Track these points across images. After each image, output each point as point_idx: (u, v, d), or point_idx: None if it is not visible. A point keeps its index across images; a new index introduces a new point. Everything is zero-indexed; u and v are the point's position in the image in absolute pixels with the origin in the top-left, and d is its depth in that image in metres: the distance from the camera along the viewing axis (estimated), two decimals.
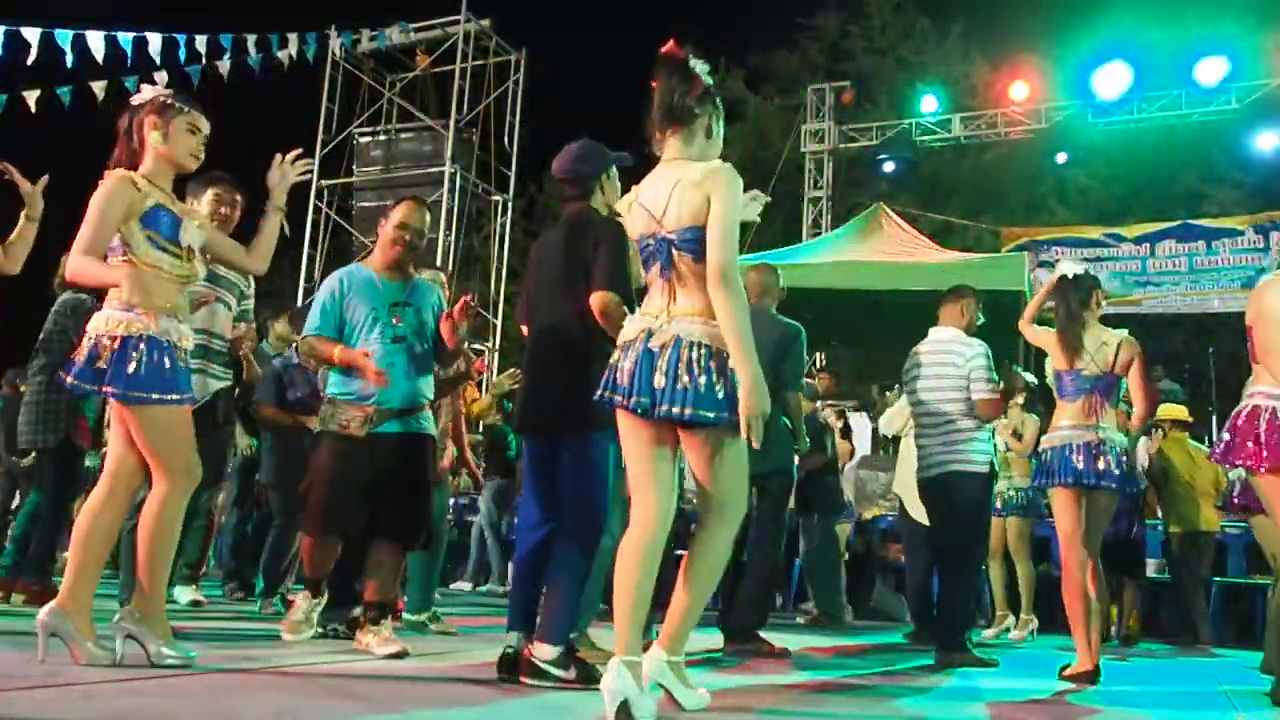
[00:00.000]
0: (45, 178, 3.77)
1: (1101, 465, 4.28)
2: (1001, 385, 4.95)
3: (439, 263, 12.88)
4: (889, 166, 14.02)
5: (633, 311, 3.03)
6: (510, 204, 14.91)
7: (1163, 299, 13.07)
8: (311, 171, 3.35)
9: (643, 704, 2.52)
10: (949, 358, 4.86)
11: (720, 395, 2.60)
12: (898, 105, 16.79)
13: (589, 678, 3.16)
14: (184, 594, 5.51)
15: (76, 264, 2.99)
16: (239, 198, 4.58)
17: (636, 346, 2.70)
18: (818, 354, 13.40)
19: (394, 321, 3.99)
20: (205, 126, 3.25)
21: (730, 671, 4.04)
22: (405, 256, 4.09)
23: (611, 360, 2.80)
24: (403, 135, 14.51)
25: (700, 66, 2.93)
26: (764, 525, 4.81)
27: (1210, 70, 12.30)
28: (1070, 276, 4.62)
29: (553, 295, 3.52)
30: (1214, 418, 10.35)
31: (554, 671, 3.19)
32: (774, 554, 5.02)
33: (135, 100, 3.21)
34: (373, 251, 4.28)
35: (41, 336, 5.32)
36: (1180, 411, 7.63)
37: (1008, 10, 17.55)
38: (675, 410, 2.59)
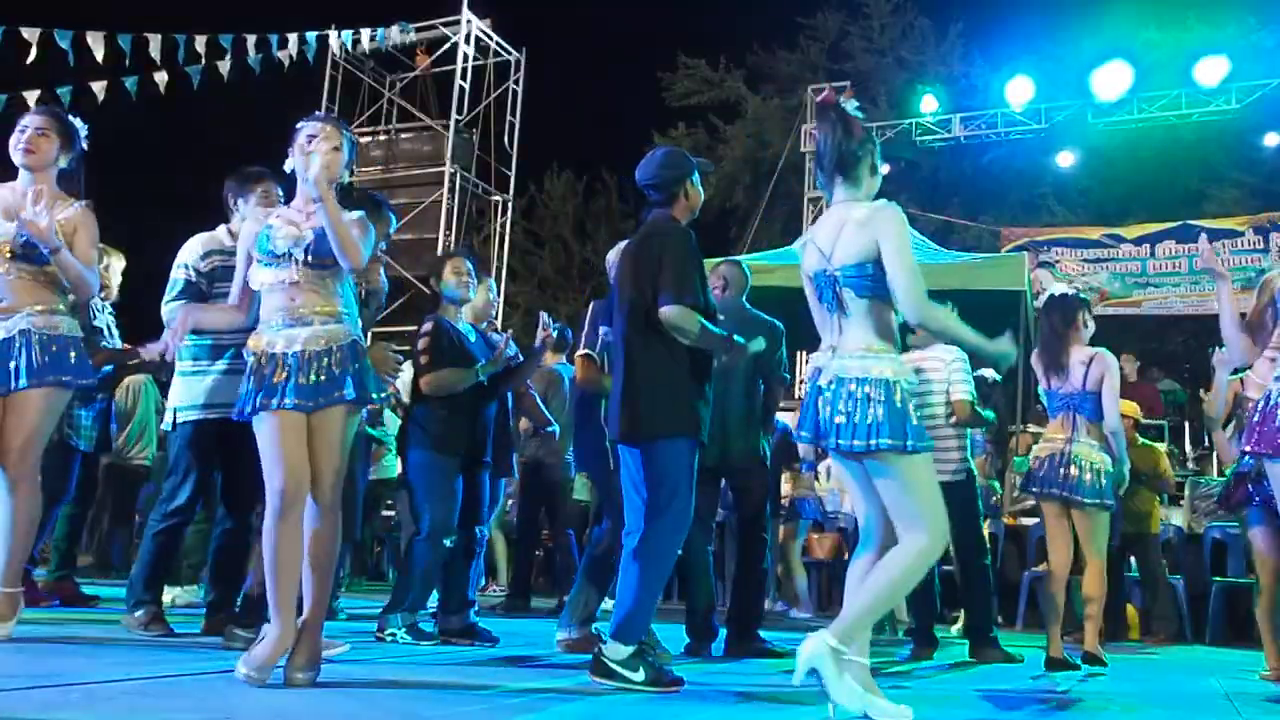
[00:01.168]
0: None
1: (1074, 478, 4.52)
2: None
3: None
4: (888, 168, 14.01)
5: (707, 319, 3.40)
6: (510, 204, 14.92)
7: (1163, 299, 13.07)
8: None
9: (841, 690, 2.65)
10: (932, 365, 5.03)
11: (878, 423, 2.74)
12: (898, 105, 16.79)
13: (658, 680, 3.23)
14: (182, 596, 5.52)
15: None
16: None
17: (809, 384, 2.92)
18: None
19: None
20: (32, 122, 3.46)
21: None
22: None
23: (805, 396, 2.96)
24: (403, 135, 14.51)
25: (851, 107, 3.15)
26: (748, 527, 4.81)
27: (1210, 70, 12.30)
28: (1056, 295, 4.80)
29: (625, 305, 3.56)
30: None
31: (624, 673, 3.23)
32: (762, 554, 5.04)
33: None
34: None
35: None
36: (1132, 408, 7.60)
37: (1008, 10, 17.55)
38: (843, 443, 2.78)
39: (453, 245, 13.50)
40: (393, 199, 13.68)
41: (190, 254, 4.12)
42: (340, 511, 3.03)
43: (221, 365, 4.08)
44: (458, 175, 13.70)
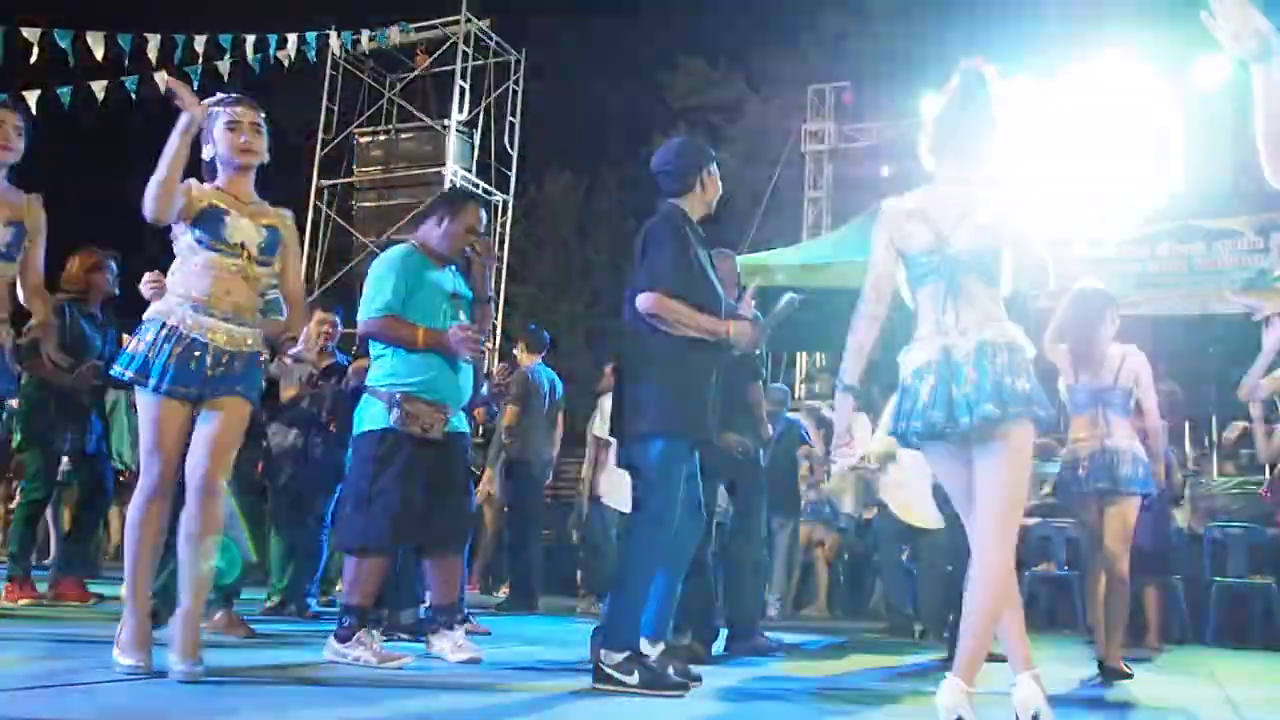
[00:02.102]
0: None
1: (1122, 472, 4.40)
2: None
3: None
4: (888, 169, 14.02)
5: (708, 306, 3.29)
6: (510, 204, 14.91)
7: (1163, 299, 13.06)
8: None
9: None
10: None
11: (1024, 392, 2.64)
12: (898, 105, 16.78)
13: (653, 683, 3.20)
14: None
15: None
16: None
17: (935, 369, 2.71)
18: (817, 354, 13.41)
19: (458, 314, 3.84)
20: (9, 119, 3.36)
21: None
22: (458, 255, 4.02)
23: (904, 388, 2.78)
24: (403, 135, 14.50)
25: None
26: (742, 523, 4.81)
27: (1210, 70, 12.28)
28: (1088, 290, 4.74)
29: (628, 298, 3.47)
30: (1214, 418, 10.35)
31: (618, 676, 3.20)
32: (759, 551, 5.04)
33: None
34: (424, 239, 3.98)
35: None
36: None
37: (1008, 10, 17.54)
38: (991, 409, 2.60)
39: None
40: (393, 199, 13.80)
41: None
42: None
43: None
44: (458, 175, 13.70)
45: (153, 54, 10.95)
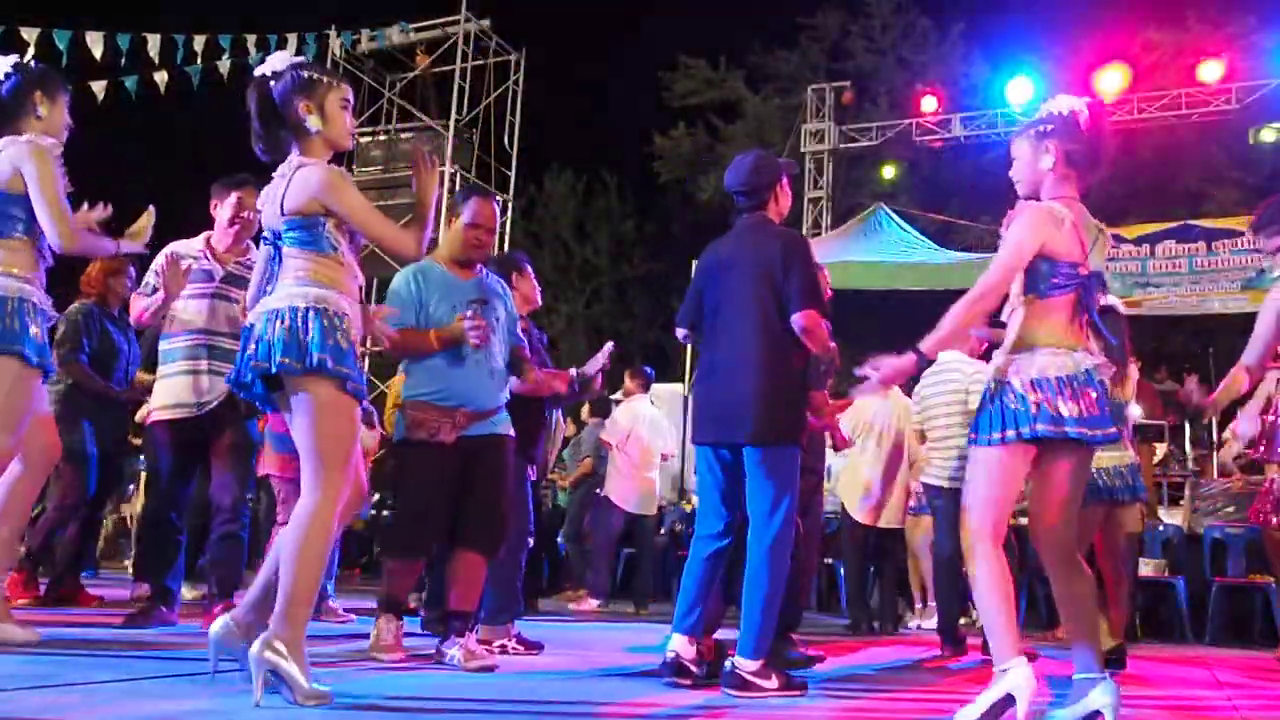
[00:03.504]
0: (151, 210, 3.85)
1: (1130, 480, 4.78)
2: None
3: None
4: (889, 170, 14.04)
5: (826, 319, 3.47)
6: (510, 204, 14.91)
7: (1163, 300, 13.05)
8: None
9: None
10: (948, 375, 5.25)
11: (1106, 414, 2.83)
12: (898, 105, 16.78)
13: (790, 685, 3.31)
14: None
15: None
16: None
17: (1083, 380, 2.81)
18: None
19: (472, 317, 3.80)
20: (352, 97, 2.99)
21: None
22: (478, 254, 3.99)
23: (1028, 394, 2.80)
24: (403, 135, 14.50)
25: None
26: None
27: (1210, 70, 12.29)
28: (1121, 309, 4.98)
29: (738, 307, 3.55)
30: (1214, 418, 10.34)
31: (759, 682, 3.26)
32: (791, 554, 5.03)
33: (266, 71, 2.87)
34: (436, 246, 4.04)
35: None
36: None
37: (1008, 10, 17.55)
38: (1097, 434, 2.80)
39: None
40: (393, 199, 13.76)
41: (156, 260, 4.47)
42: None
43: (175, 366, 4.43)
44: (458, 175, 13.70)
45: (153, 54, 10.94)
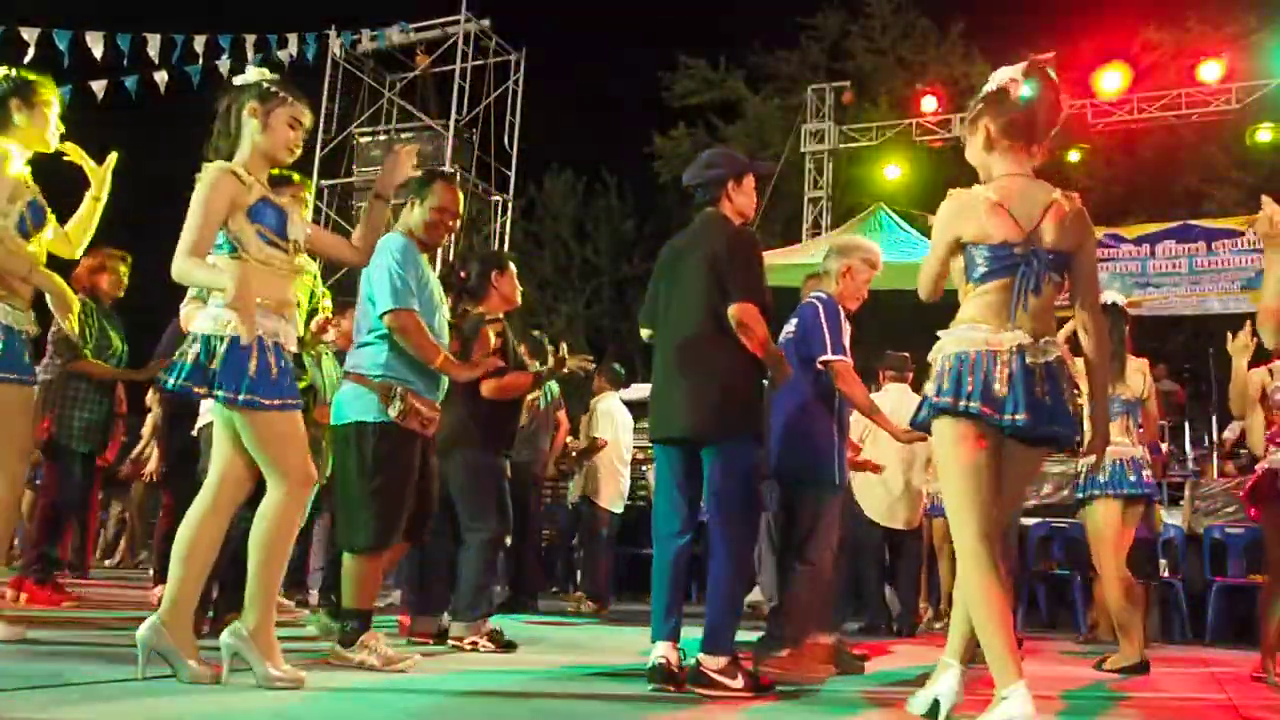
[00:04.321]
0: (114, 156, 3.76)
1: (1146, 477, 4.84)
2: None
3: (439, 262, 12.88)
4: (891, 170, 14.03)
5: (768, 320, 3.37)
6: (510, 204, 14.91)
7: (1163, 300, 13.06)
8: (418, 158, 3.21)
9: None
10: None
11: (1079, 415, 2.75)
12: (898, 105, 16.78)
13: (757, 686, 3.27)
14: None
15: (181, 267, 2.77)
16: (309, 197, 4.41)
17: (1008, 360, 2.66)
18: None
19: (440, 302, 3.81)
20: (307, 120, 3.05)
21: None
22: (439, 241, 3.96)
23: (946, 369, 2.71)
24: (403, 135, 14.49)
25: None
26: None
27: (1210, 70, 12.29)
28: (1119, 304, 4.92)
29: (685, 302, 3.52)
30: (1214, 418, 10.35)
31: (724, 681, 3.23)
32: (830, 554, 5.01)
33: (238, 82, 3.02)
34: (409, 228, 3.95)
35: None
36: None
37: (1008, 10, 17.56)
38: (1061, 430, 2.68)
39: (452, 246, 13.49)
40: (393, 199, 13.80)
41: None
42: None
43: None
44: (458, 175, 13.69)
45: (153, 54, 10.94)
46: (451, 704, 2.93)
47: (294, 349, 2.97)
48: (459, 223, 4.02)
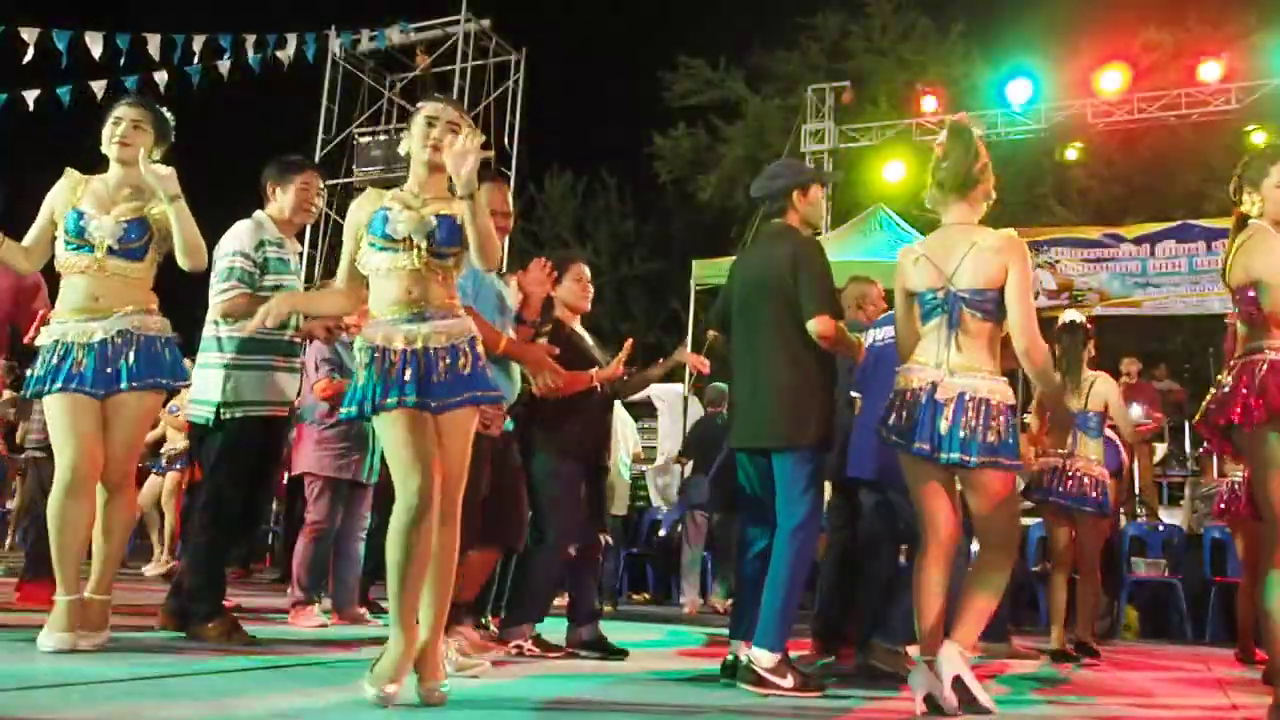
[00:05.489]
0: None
1: (1075, 489, 5.08)
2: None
3: None
4: (891, 170, 14.03)
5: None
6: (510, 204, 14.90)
7: (1163, 299, 13.04)
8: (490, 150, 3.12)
9: (947, 697, 2.91)
10: None
11: (1005, 443, 2.99)
12: (898, 105, 16.77)
13: (807, 685, 3.32)
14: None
15: None
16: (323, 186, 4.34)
17: (919, 397, 3.07)
18: None
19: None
20: (128, 114, 3.36)
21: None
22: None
23: (889, 404, 3.18)
24: (403, 135, 14.46)
25: (977, 132, 3.42)
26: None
27: (1209, 70, 12.28)
28: (1078, 321, 5.23)
29: (752, 313, 3.63)
30: None
31: (774, 679, 3.29)
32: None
33: None
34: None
35: None
36: None
37: (1008, 10, 17.55)
38: (958, 456, 2.99)
39: None
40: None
41: (243, 243, 4.00)
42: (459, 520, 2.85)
43: (265, 360, 4.01)
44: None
45: (153, 54, 10.94)
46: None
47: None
48: (509, 220, 4.00)
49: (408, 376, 2.74)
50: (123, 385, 3.33)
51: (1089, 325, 5.33)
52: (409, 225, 2.85)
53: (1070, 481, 5.08)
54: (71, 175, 3.55)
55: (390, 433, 2.73)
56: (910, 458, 3.12)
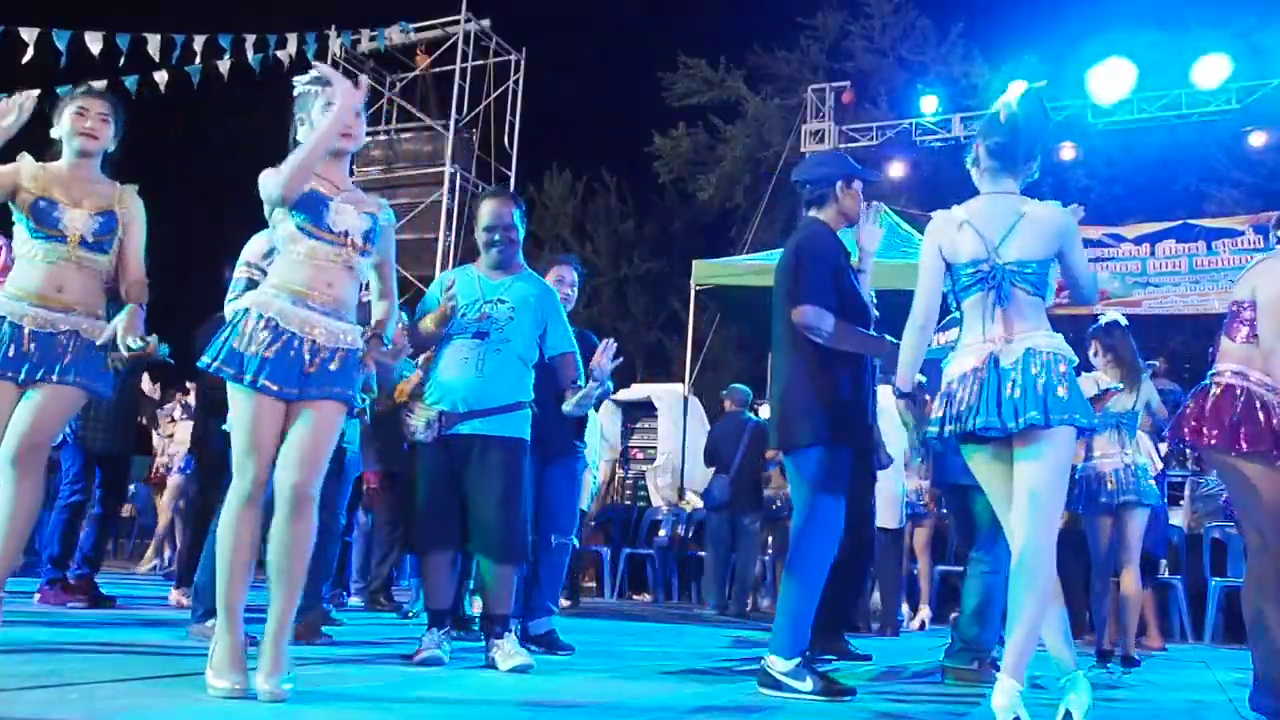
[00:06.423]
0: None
1: (1131, 485, 4.87)
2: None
3: (439, 263, 12.88)
4: (891, 170, 14.03)
5: (866, 321, 3.48)
6: None
7: (1163, 299, 13.06)
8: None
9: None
10: None
11: (1071, 400, 2.75)
12: (898, 105, 16.77)
13: (828, 690, 3.22)
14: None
15: None
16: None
17: (981, 373, 2.81)
18: None
19: (478, 318, 3.73)
20: (94, 106, 3.43)
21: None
22: (500, 255, 3.88)
23: (942, 398, 2.88)
24: (403, 135, 14.51)
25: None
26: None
27: (1210, 70, 12.28)
28: (1123, 323, 5.12)
29: (777, 314, 3.59)
30: None
31: (791, 683, 3.22)
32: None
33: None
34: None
35: None
36: None
37: (1008, 10, 17.56)
38: (1036, 415, 2.71)
39: (453, 245, 13.49)
40: (393, 199, 13.66)
41: (251, 252, 3.97)
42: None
43: None
44: (458, 175, 13.69)
45: (153, 54, 10.93)
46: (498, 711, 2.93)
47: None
48: (512, 228, 3.94)
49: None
50: (54, 378, 3.27)
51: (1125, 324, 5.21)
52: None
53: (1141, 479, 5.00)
54: (29, 161, 3.51)
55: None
56: (979, 456, 2.90)
